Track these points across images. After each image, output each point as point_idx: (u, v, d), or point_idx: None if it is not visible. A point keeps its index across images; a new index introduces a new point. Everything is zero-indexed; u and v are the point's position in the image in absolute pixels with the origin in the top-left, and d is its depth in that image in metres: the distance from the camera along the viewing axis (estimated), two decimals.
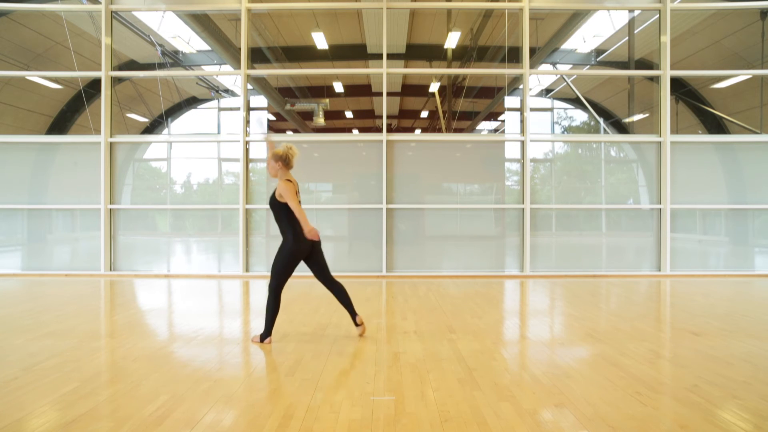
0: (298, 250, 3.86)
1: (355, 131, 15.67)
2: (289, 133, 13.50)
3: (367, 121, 15.35)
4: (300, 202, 3.93)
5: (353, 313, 4.13)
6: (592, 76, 10.96)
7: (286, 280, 3.94)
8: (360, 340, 4.05)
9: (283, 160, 3.89)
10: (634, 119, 9.38)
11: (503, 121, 9.42)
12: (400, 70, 9.64)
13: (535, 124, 8.78)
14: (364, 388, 2.93)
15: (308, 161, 8.31)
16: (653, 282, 7.40)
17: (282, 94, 11.87)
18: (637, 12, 8.53)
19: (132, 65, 9.88)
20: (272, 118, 11.92)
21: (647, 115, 9.15)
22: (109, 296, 6.33)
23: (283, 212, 3.85)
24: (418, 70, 11.60)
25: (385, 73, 7.94)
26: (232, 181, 8.39)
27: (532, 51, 8.06)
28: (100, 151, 8.01)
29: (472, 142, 8.65)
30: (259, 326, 4.47)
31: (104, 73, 7.97)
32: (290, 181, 3.86)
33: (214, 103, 10.67)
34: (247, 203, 7.99)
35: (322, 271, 4.03)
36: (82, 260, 8.25)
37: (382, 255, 7.88)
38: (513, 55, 8.08)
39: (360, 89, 13.24)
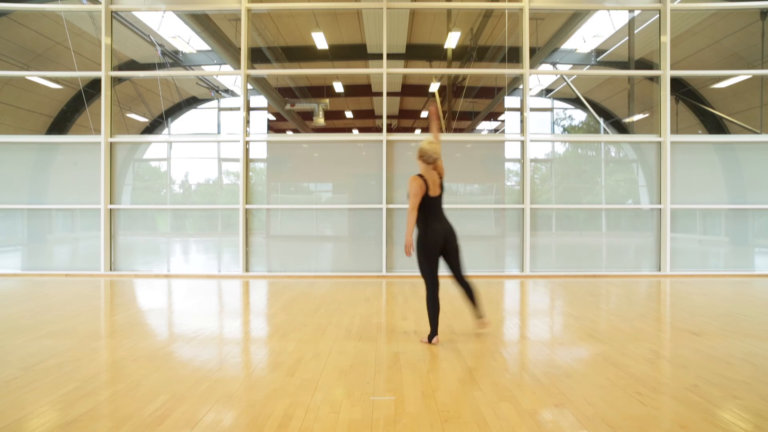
0: (428, 244, 3.85)
1: (355, 131, 15.68)
2: (289, 133, 13.51)
3: (367, 121, 15.37)
4: (441, 194, 3.90)
5: (478, 314, 4.20)
6: (592, 76, 10.96)
7: (434, 276, 3.94)
8: (360, 340, 4.05)
9: (419, 156, 3.86)
10: (634, 119, 9.38)
11: (503, 121, 9.43)
12: (400, 70, 9.64)
13: (535, 124, 8.80)
14: (364, 388, 2.93)
15: (308, 161, 8.31)
16: (653, 282, 7.40)
17: (282, 94, 11.88)
18: (637, 12, 8.53)
19: (132, 65, 9.89)
20: (272, 117, 11.92)
21: (647, 115, 9.15)
22: (109, 296, 6.32)
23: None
24: (418, 70, 11.60)
25: (385, 73, 7.94)
26: (232, 181, 8.39)
27: (532, 51, 8.05)
28: (100, 151, 8.01)
29: (472, 142, 8.64)
30: (259, 326, 4.48)
31: (104, 73, 7.97)
32: (422, 176, 3.83)
33: (214, 103, 10.69)
34: (247, 203, 7.99)
35: (453, 270, 4.08)
36: (82, 260, 8.25)
37: (382, 255, 7.88)
38: (513, 55, 8.08)
39: (360, 89, 13.27)
